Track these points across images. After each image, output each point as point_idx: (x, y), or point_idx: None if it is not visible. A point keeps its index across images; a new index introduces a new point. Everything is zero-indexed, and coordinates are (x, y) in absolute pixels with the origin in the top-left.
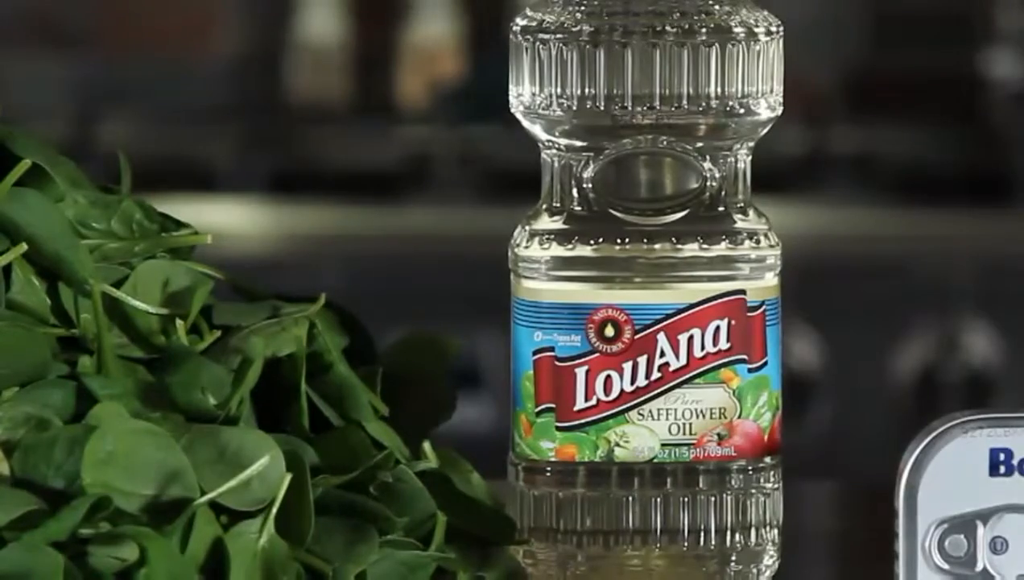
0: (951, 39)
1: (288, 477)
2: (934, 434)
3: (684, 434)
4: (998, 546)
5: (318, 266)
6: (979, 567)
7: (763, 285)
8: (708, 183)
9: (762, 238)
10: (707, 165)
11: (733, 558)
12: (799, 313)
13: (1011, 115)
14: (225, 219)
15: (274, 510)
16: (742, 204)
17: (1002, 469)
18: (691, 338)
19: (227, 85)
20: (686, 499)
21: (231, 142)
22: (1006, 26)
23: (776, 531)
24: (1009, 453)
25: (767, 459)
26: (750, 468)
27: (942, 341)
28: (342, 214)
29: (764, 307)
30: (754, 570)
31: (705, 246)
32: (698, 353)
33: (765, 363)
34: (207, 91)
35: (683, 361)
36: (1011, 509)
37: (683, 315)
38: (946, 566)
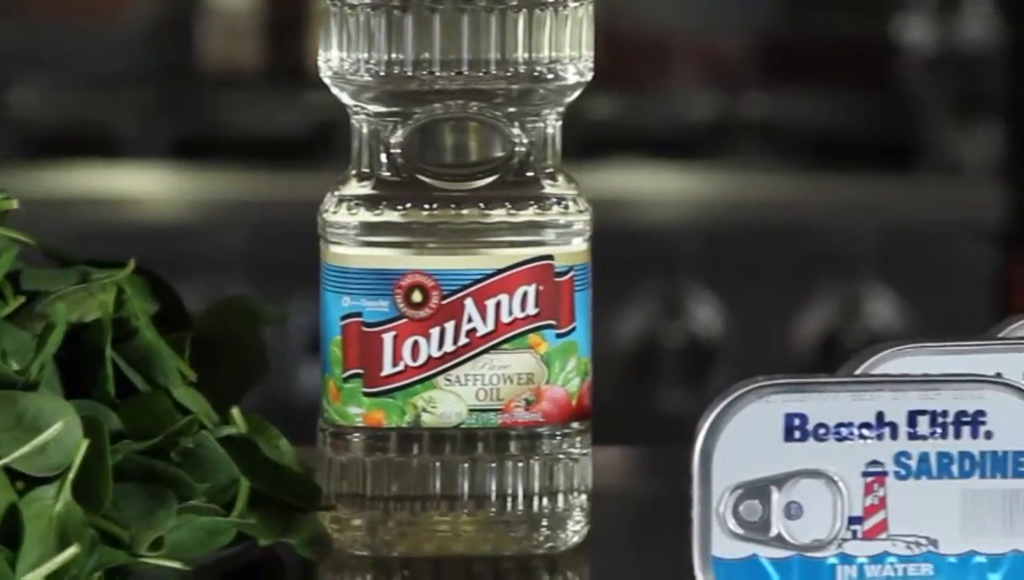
0: (863, 5)
1: (85, 443)
2: (729, 399)
3: (492, 400)
4: (792, 511)
5: (227, 231)
6: (773, 532)
7: (571, 250)
8: (516, 149)
9: (571, 204)
10: (516, 131)
11: (542, 523)
12: (703, 279)
13: (921, 82)
14: (135, 184)
15: (71, 476)
16: (551, 169)
17: (797, 434)
18: (498, 304)
19: (139, 51)
20: (494, 464)
21: (142, 108)
22: None
23: (584, 496)
24: (804, 418)
25: (575, 425)
26: (558, 434)
27: (844, 306)
28: (252, 180)
29: (572, 273)
30: (562, 535)
31: (513, 212)
32: (506, 318)
33: (573, 329)
34: (119, 57)
35: (490, 327)
36: (806, 474)
37: (491, 281)
38: (740, 531)
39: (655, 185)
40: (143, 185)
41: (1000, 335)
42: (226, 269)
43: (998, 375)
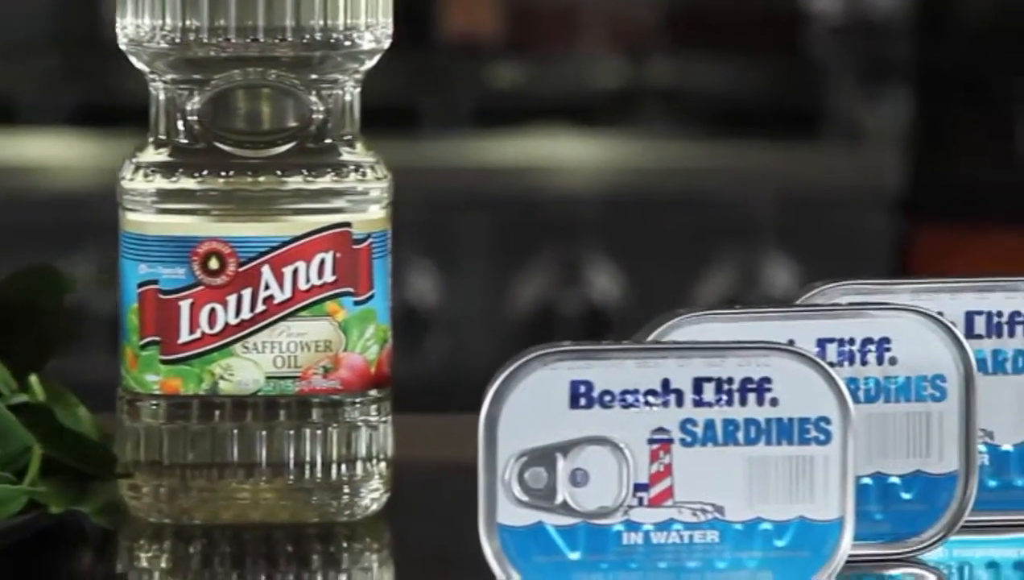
0: None
1: None
2: (514, 366)
3: (289, 367)
4: (578, 478)
5: None
6: (559, 499)
7: (369, 218)
8: (314, 116)
9: (368, 171)
10: (313, 98)
11: (341, 490)
12: (604, 246)
13: (828, 49)
14: (37, 151)
15: None
16: (350, 137)
17: (582, 401)
18: (296, 271)
19: (42, 18)
20: (292, 432)
21: (45, 75)
22: None
23: (384, 464)
24: (590, 385)
25: (373, 392)
26: (356, 401)
27: (744, 274)
28: None
29: (370, 240)
30: (362, 502)
31: (310, 179)
32: (303, 286)
33: (372, 296)
34: (22, 24)
35: (288, 294)
36: (591, 441)
37: (288, 248)
38: (526, 498)
39: (559, 152)
40: (45, 152)
41: (797, 302)
42: None
43: (791, 342)
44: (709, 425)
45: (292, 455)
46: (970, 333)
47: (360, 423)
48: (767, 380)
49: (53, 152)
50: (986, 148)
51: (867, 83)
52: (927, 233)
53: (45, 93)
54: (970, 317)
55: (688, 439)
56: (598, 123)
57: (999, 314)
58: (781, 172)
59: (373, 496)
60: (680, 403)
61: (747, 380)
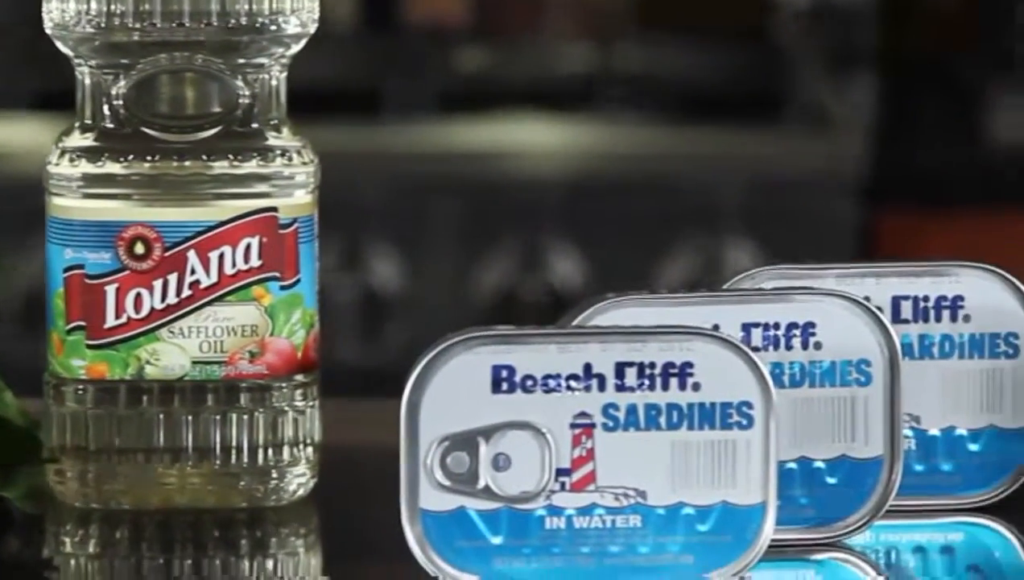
0: None
1: None
2: (436, 351)
3: (215, 352)
4: (500, 463)
5: None
6: (481, 484)
7: (295, 202)
8: (240, 100)
9: (295, 156)
10: (239, 82)
11: (268, 475)
12: (567, 232)
13: (795, 35)
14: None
15: None
16: (276, 121)
17: (504, 386)
18: (222, 256)
19: (4, 3)
20: (218, 417)
21: (8, 59)
22: None
23: (311, 449)
24: (512, 370)
25: (300, 377)
26: (283, 386)
27: (708, 259)
28: None
29: (296, 224)
30: (288, 487)
31: (236, 163)
32: (229, 270)
33: (298, 281)
34: None
35: (214, 278)
36: (513, 426)
37: (214, 233)
38: (448, 483)
39: (525, 137)
40: (7, 137)
41: (725, 287)
42: None
43: (716, 328)
44: (631, 410)
45: (218, 440)
46: (896, 318)
47: (287, 408)
48: (689, 365)
49: (16, 137)
50: (951, 134)
51: (833, 69)
52: (891, 218)
53: (7, 78)
54: (896, 302)
55: (610, 424)
56: (564, 108)
57: (925, 299)
58: (746, 157)
59: (300, 481)
60: (602, 388)
61: (669, 365)
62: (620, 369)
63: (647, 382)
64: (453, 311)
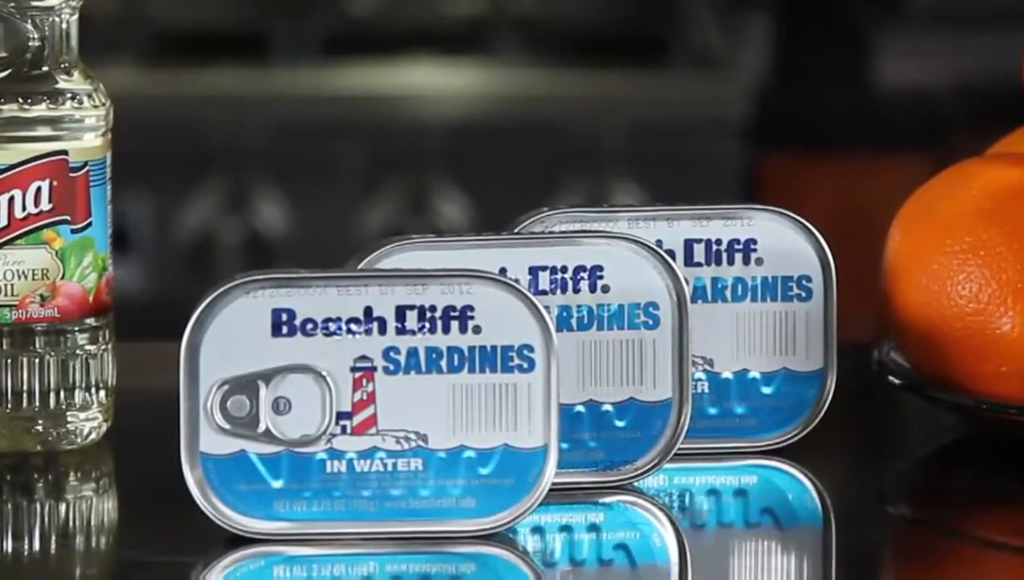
0: None
1: None
2: (215, 294)
3: (6, 295)
4: (281, 406)
5: None
6: (261, 427)
7: (86, 146)
8: (30, 43)
9: (85, 99)
10: (28, 25)
11: (63, 419)
12: (451, 175)
13: None
14: None
15: None
16: (67, 64)
17: (284, 329)
18: (11, 199)
19: None
20: (9, 361)
21: None
22: None
23: (104, 392)
24: (292, 313)
25: (91, 320)
26: (75, 329)
27: (594, 201)
28: None
29: (88, 168)
30: (83, 431)
31: (25, 106)
32: (19, 214)
33: (89, 224)
34: None
35: (4, 222)
36: (293, 369)
37: (3, 176)
38: (228, 426)
39: (414, 81)
40: None
41: (515, 230)
42: None
43: (503, 271)
44: (412, 353)
45: (9, 384)
46: (689, 261)
47: (79, 352)
48: (470, 308)
49: None
50: (838, 77)
51: (724, 11)
52: (776, 160)
53: None
54: (689, 245)
55: (391, 367)
56: (453, 52)
57: (718, 242)
58: (633, 100)
59: (93, 425)
60: (383, 331)
61: (450, 308)
62: (401, 312)
63: (428, 325)
64: (337, 255)
